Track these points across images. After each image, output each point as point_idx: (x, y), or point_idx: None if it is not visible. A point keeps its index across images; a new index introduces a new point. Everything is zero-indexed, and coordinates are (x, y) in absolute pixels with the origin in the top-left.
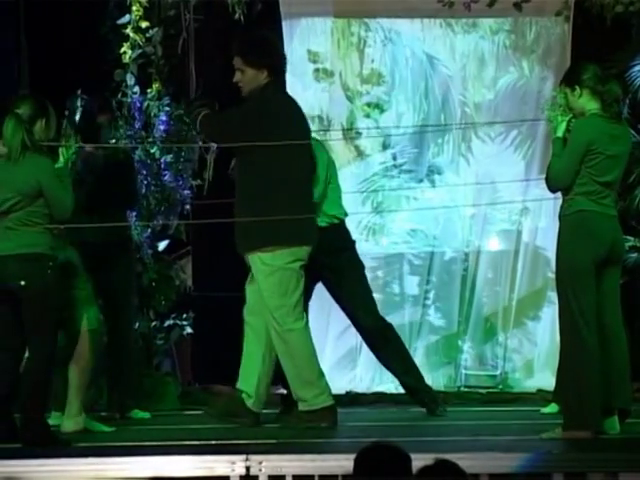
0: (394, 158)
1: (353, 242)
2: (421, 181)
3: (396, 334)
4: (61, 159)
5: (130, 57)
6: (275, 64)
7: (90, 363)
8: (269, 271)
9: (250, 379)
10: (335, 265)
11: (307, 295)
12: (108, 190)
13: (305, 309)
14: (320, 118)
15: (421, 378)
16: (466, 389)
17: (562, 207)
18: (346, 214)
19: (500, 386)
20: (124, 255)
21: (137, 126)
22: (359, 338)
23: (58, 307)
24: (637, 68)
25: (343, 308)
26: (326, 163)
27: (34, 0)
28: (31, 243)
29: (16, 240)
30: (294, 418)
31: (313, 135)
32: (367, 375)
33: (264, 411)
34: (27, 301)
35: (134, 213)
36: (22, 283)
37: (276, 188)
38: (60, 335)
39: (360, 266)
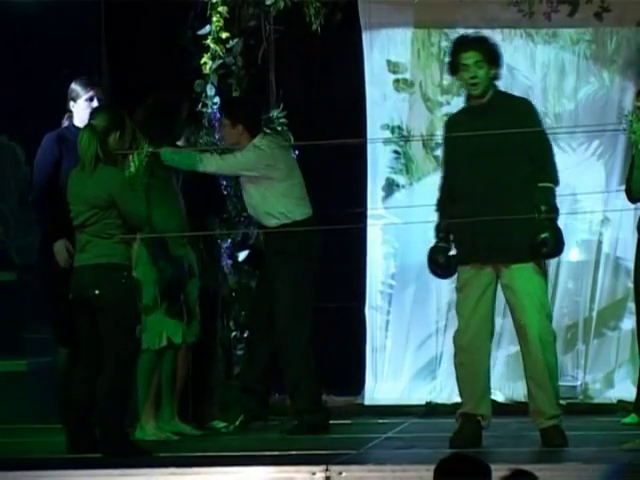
0: None
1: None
2: None
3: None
4: (132, 167)
5: (210, 68)
6: None
7: (183, 371)
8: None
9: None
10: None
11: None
12: (195, 197)
13: None
14: (400, 128)
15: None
16: None
17: None
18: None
19: (580, 397)
20: (211, 264)
21: (217, 137)
22: (439, 349)
23: (133, 317)
24: None
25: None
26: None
27: (115, 13)
28: (106, 254)
29: (92, 251)
30: None
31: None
32: (447, 385)
33: (344, 421)
34: (102, 311)
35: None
36: (96, 292)
37: None
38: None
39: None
